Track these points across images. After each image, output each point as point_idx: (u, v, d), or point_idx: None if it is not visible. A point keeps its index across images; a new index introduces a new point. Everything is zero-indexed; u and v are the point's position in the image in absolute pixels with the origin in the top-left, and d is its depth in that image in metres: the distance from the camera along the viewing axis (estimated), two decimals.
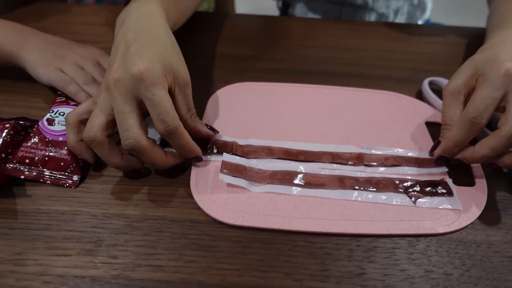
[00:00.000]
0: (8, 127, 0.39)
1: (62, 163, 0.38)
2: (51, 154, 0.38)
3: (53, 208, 0.35)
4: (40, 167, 0.38)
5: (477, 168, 0.41)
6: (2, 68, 0.47)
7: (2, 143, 0.38)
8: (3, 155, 0.37)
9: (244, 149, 0.41)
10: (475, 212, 0.37)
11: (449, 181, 0.39)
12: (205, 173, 0.38)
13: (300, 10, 0.79)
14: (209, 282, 0.31)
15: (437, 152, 0.39)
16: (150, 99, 0.33)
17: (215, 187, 0.37)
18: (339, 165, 0.40)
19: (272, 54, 0.58)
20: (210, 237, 0.34)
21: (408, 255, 0.33)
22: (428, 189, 0.38)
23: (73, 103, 0.44)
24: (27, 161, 0.37)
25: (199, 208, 0.36)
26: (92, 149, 0.36)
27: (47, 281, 0.30)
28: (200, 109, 0.40)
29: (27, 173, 0.37)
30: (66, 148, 0.38)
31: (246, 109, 0.46)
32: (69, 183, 0.37)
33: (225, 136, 0.42)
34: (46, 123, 0.40)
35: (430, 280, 0.32)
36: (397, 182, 0.38)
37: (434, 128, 0.45)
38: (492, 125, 0.39)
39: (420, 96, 0.51)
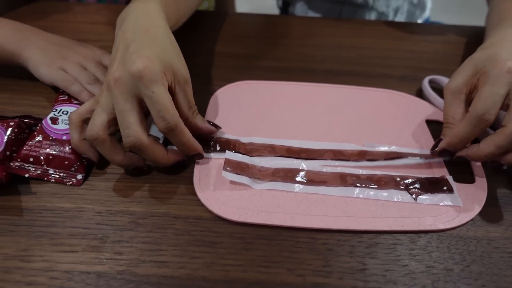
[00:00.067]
0: (12, 125, 0.39)
1: (66, 162, 0.38)
2: (55, 152, 0.38)
3: (58, 205, 0.35)
4: (45, 165, 0.38)
5: (477, 166, 0.41)
6: (5, 67, 0.47)
7: (6, 141, 0.38)
8: (7, 153, 0.38)
9: (247, 147, 0.41)
10: (475, 208, 0.37)
11: (450, 178, 0.39)
12: (208, 170, 0.39)
13: (300, 9, 0.79)
14: (213, 278, 0.31)
15: (441, 145, 0.39)
16: (150, 97, 0.33)
17: (218, 184, 0.37)
18: (341, 161, 0.41)
19: (273, 52, 0.58)
20: (213, 233, 0.34)
21: (409, 251, 0.34)
22: (428, 186, 0.38)
23: (76, 101, 0.44)
24: (31, 159, 0.38)
25: (203, 205, 0.36)
26: (95, 148, 0.36)
27: (54, 277, 0.30)
28: (201, 108, 0.40)
29: (32, 172, 0.37)
30: (70, 146, 0.38)
31: (247, 108, 0.47)
32: (73, 182, 0.38)
33: (227, 134, 0.43)
34: (49, 122, 0.40)
35: (431, 276, 0.32)
36: (398, 179, 0.39)
37: (434, 126, 0.46)
38: (493, 124, 0.39)
39: (420, 94, 0.51)
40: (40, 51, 0.46)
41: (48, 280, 0.30)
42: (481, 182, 0.39)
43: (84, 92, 0.44)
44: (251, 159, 0.40)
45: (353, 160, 0.41)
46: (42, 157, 0.38)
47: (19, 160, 0.38)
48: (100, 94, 0.37)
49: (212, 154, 0.40)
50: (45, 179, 0.38)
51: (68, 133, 0.39)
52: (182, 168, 0.39)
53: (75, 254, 0.32)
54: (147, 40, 0.36)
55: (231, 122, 0.44)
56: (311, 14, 0.78)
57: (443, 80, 0.51)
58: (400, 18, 0.78)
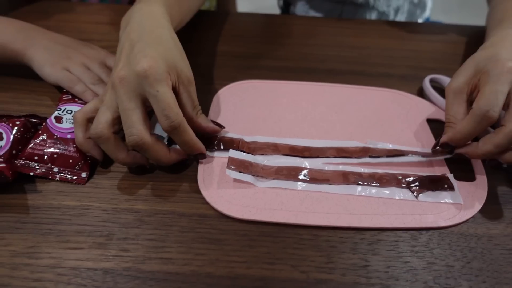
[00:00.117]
0: (18, 124, 0.40)
1: (70, 160, 0.38)
2: (59, 151, 0.39)
3: (64, 203, 0.36)
4: (49, 164, 0.38)
5: (477, 164, 0.41)
6: (9, 66, 0.48)
7: (12, 140, 0.38)
8: (13, 151, 0.38)
9: (251, 145, 0.41)
10: (475, 206, 0.37)
11: (450, 176, 0.39)
12: (212, 169, 0.39)
13: (301, 9, 0.80)
14: (218, 274, 0.31)
15: (443, 138, 0.39)
16: (154, 96, 0.34)
17: (222, 182, 0.38)
18: (343, 159, 0.41)
19: (274, 52, 0.58)
20: (218, 230, 0.34)
21: (411, 248, 0.34)
22: (429, 184, 0.39)
23: (80, 101, 0.44)
24: (35, 158, 0.38)
25: (207, 203, 0.36)
26: (99, 146, 0.37)
27: (61, 273, 0.31)
28: (204, 107, 0.41)
29: (37, 170, 0.38)
30: (74, 145, 0.39)
31: (250, 107, 0.47)
32: (77, 180, 0.38)
33: (230, 133, 0.43)
34: (54, 121, 0.41)
35: (433, 272, 0.33)
36: (399, 177, 0.39)
37: (435, 125, 0.46)
38: (494, 123, 0.39)
39: (421, 93, 0.52)
40: (44, 50, 0.46)
41: (56, 276, 0.31)
42: (482, 180, 0.40)
43: (88, 92, 0.44)
44: (255, 157, 0.40)
45: (355, 157, 0.41)
46: (46, 156, 0.38)
47: (23, 158, 0.38)
48: (104, 93, 0.38)
49: (216, 153, 0.41)
50: (50, 177, 0.38)
51: (72, 131, 0.39)
52: (185, 166, 0.40)
53: (81, 251, 0.32)
54: (151, 40, 0.37)
55: (234, 121, 0.45)
56: (312, 13, 0.79)
57: (444, 79, 0.52)
58: (401, 17, 0.78)
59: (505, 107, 0.37)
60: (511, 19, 0.46)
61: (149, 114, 0.37)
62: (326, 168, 0.40)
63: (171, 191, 0.38)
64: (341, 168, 0.40)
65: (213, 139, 0.41)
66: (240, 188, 0.37)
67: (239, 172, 0.38)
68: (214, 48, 0.59)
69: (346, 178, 0.39)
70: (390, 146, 0.42)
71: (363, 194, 0.38)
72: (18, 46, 0.46)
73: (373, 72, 0.55)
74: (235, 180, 0.38)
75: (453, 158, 0.40)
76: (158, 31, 0.38)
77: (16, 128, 0.39)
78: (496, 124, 0.38)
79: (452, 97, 0.40)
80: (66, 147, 0.39)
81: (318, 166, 0.40)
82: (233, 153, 0.39)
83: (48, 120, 0.41)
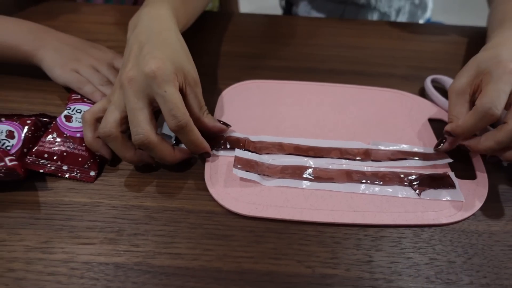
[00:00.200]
0: (29, 123, 0.40)
1: (80, 159, 0.39)
2: (69, 149, 0.39)
3: (75, 200, 0.37)
4: (59, 162, 0.39)
5: (478, 162, 0.42)
6: (19, 66, 0.49)
7: (24, 138, 0.39)
8: (25, 150, 0.39)
9: (256, 145, 0.42)
10: (476, 204, 0.38)
11: (452, 174, 0.40)
12: (218, 167, 0.40)
13: (304, 9, 0.80)
14: (226, 269, 0.32)
15: (446, 127, 0.40)
16: (162, 96, 0.35)
17: (228, 180, 0.39)
18: (347, 160, 0.42)
19: (277, 52, 0.59)
20: (225, 227, 0.35)
21: (414, 244, 0.35)
22: (431, 182, 0.40)
23: (89, 100, 0.45)
24: (45, 155, 0.39)
25: (214, 200, 0.37)
26: (108, 145, 0.38)
27: (74, 268, 0.32)
28: (209, 106, 0.42)
29: (47, 167, 0.38)
30: (83, 144, 0.39)
31: (255, 106, 0.48)
32: (86, 178, 0.39)
33: (236, 132, 0.44)
34: (64, 120, 0.41)
35: (435, 267, 0.33)
36: (402, 175, 0.40)
37: (436, 124, 0.47)
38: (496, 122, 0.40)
39: (423, 93, 0.53)
40: (54, 52, 0.47)
41: (69, 270, 0.32)
42: (482, 179, 0.41)
43: (97, 92, 0.45)
44: (260, 157, 0.41)
45: (358, 160, 0.42)
46: (56, 154, 0.39)
47: (34, 156, 0.39)
48: (111, 93, 0.39)
49: (222, 152, 0.42)
50: (59, 175, 0.39)
51: (81, 130, 0.40)
52: (191, 165, 0.41)
53: (93, 246, 0.33)
54: (159, 43, 0.38)
55: (240, 121, 0.46)
56: (314, 14, 0.80)
57: (445, 79, 0.53)
58: (402, 18, 0.79)
59: (508, 106, 0.38)
60: None
61: (156, 115, 0.38)
62: (330, 167, 0.41)
63: (179, 189, 0.38)
64: (344, 166, 0.41)
65: (219, 139, 0.42)
66: (246, 186, 0.38)
67: (246, 171, 0.39)
68: (218, 48, 0.60)
69: (350, 176, 0.40)
70: (393, 147, 0.43)
71: (367, 192, 0.39)
72: (28, 47, 0.46)
73: (375, 72, 0.56)
74: (241, 178, 0.39)
75: (456, 147, 0.41)
76: (165, 33, 0.39)
77: (27, 127, 0.40)
78: (497, 123, 0.38)
79: (455, 98, 0.41)
80: (76, 145, 0.40)
81: (322, 165, 0.41)
82: (239, 152, 0.40)
83: (58, 119, 0.41)
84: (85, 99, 0.45)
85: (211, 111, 0.46)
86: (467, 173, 0.41)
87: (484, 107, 0.37)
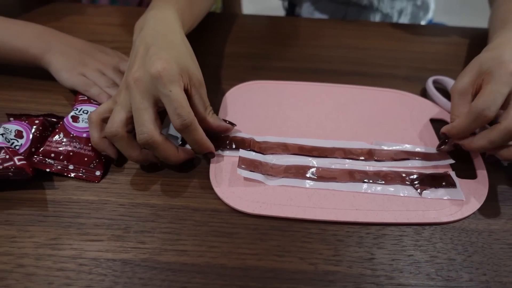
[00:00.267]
0: (37, 123, 0.41)
1: (85, 159, 0.40)
2: (75, 149, 0.40)
3: (83, 198, 0.38)
4: (65, 161, 0.40)
5: (479, 162, 0.43)
6: (28, 67, 0.49)
7: (32, 138, 0.40)
8: (33, 149, 0.40)
9: (261, 145, 0.43)
10: (476, 202, 0.39)
11: (453, 174, 0.41)
12: (223, 166, 0.41)
13: (307, 10, 0.81)
14: (231, 265, 0.33)
15: (442, 129, 0.41)
16: (167, 96, 0.36)
17: (233, 179, 0.40)
18: (351, 160, 0.43)
19: (280, 53, 0.60)
20: (230, 224, 0.36)
21: (415, 242, 0.36)
22: (432, 181, 0.40)
23: (95, 102, 0.46)
24: (52, 155, 0.40)
25: (219, 199, 0.38)
26: (114, 145, 0.39)
27: (82, 264, 0.33)
28: (213, 107, 0.42)
29: (54, 167, 0.39)
30: (89, 144, 0.40)
31: (259, 107, 0.49)
32: (92, 178, 0.39)
33: (241, 133, 0.45)
34: (70, 120, 0.42)
35: (435, 265, 0.34)
36: (403, 175, 0.41)
37: (438, 124, 0.47)
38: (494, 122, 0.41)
39: (424, 94, 0.53)
40: (61, 56, 0.47)
41: (77, 266, 0.32)
42: (483, 178, 0.41)
43: (103, 94, 0.46)
44: (264, 157, 0.42)
45: (362, 160, 0.43)
46: (62, 154, 0.40)
47: (41, 155, 0.39)
48: (117, 94, 0.40)
49: (228, 152, 0.42)
50: (65, 174, 0.39)
51: (88, 131, 0.40)
52: (195, 164, 0.42)
53: (101, 243, 0.34)
54: (165, 45, 0.38)
55: (244, 121, 0.46)
56: (317, 15, 0.80)
57: (446, 80, 0.53)
58: (404, 19, 0.79)
59: (505, 106, 0.38)
60: None
61: (161, 116, 0.39)
62: (333, 167, 0.42)
63: (184, 187, 0.39)
64: (347, 166, 0.42)
65: (225, 139, 0.43)
66: (251, 185, 0.39)
67: (250, 171, 0.39)
68: (222, 49, 0.60)
69: (352, 176, 0.40)
70: (396, 147, 0.44)
71: (369, 191, 0.39)
72: (35, 50, 0.47)
73: (377, 73, 0.57)
74: (246, 178, 0.39)
75: (455, 152, 0.42)
76: (171, 35, 0.40)
77: (35, 127, 0.41)
78: (495, 121, 0.39)
79: (457, 98, 0.41)
80: (82, 145, 0.40)
81: (325, 165, 0.42)
82: (243, 152, 0.41)
83: (65, 119, 0.42)
84: (92, 100, 0.46)
85: (216, 111, 0.47)
86: (468, 173, 0.42)
87: (478, 108, 0.37)
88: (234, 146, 0.42)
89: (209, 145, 0.40)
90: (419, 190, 0.39)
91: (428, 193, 0.39)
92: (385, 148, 0.44)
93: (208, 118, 0.40)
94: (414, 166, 0.42)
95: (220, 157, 0.42)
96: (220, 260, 0.33)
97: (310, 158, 0.42)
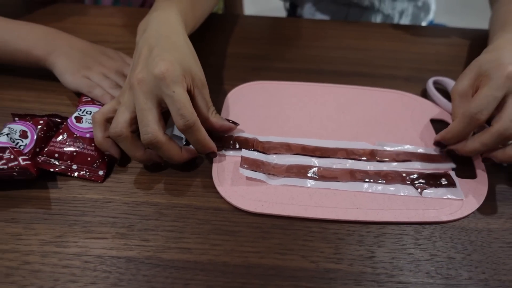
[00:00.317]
0: (42, 123, 0.42)
1: (89, 158, 0.40)
2: (78, 149, 0.40)
3: (87, 196, 0.38)
4: (68, 161, 0.40)
5: (478, 162, 0.43)
6: (32, 68, 0.50)
7: (36, 138, 0.41)
8: (37, 149, 0.40)
9: (265, 145, 0.44)
10: (476, 202, 0.39)
11: (452, 173, 0.41)
12: (225, 166, 0.41)
13: (308, 11, 0.81)
14: (233, 263, 0.34)
15: (436, 137, 0.42)
16: (171, 96, 0.36)
17: (235, 178, 0.40)
18: (353, 160, 0.43)
19: (282, 54, 0.60)
20: (232, 223, 0.37)
21: (415, 241, 0.36)
22: (433, 181, 0.41)
23: (99, 103, 0.46)
24: (56, 155, 0.40)
25: (221, 197, 0.38)
26: (118, 144, 0.39)
27: (87, 261, 0.33)
28: (216, 107, 0.43)
29: (57, 167, 0.40)
30: (93, 144, 0.41)
31: (261, 107, 0.49)
32: (95, 177, 0.40)
33: (242, 132, 0.45)
34: (74, 120, 0.42)
35: (435, 263, 0.34)
36: (404, 174, 0.41)
37: (438, 125, 0.48)
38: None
39: (425, 94, 0.53)
40: (65, 58, 0.48)
41: (82, 263, 0.33)
42: (482, 178, 0.42)
43: (107, 95, 0.46)
44: (266, 156, 0.42)
45: (364, 160, 0.43)
46: (66, 154, 0.40)
47: (45, 155, 0.40)
48: (120, 95, 0.40)
49: (232, 152, 0.43)
50: (69, 174, 0.40)
51: (91, 131, 0.41)
52: (198, 164, 0.42)
53: (105, 240, 0.35)
54: (168, 46, 0.39)
55: (246, 121, 0.47)
56: (319, 15, 0.81)
57: (446, 81, 0.54)
58: (405, 20, 0.80)
59: (499, 108, 0.38)
60: None
61: (165, 117, 0.39)
62: (334, 166, 0.42)
63: (187, 186, 0.40)
64: (348, 166, 0.42)
65: (228, 139, 0.43)
66: (253, 184, 0.40)
67: (252, 170, 0.40)
68: (224, 49, 0.61)
69: (353, 175, 0.41)
70: (398, 147, 0.44)
71: (370, 190, 0.40)
72: (40, 52, 0.48)
73: (378, 74, 0.57)
74: (248, 177, 0.40)
75: (446, 152, 0.43)
76: (174, 37, 0.41)
77: (39, 127, 0.41)
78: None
79: (458, 100, 0.42)
80: (85, 145, 0.41)
81: (326, 165, 0.42)
82: (245, 152, 0.41)
83: (68, 120, 0.42)
84: (95, 102, 0.46)
85: (218, 111, 0.47)
86: (468, 173, 0.42)
87: (470, 112, 0.38)
88: (237, 146, 0.43)
89: (212, 145, 0.40)
90: (419, 190, 0.40)
91: (428, 192, 0.40)
92: (387, 148, 0.44)
93: (211, 118, 0.41)
94: (415, 167, 0.43)
95: (222, 157, 0.42)
96: (223, 258, 0.34)
97: (312, 158, 0.43)
